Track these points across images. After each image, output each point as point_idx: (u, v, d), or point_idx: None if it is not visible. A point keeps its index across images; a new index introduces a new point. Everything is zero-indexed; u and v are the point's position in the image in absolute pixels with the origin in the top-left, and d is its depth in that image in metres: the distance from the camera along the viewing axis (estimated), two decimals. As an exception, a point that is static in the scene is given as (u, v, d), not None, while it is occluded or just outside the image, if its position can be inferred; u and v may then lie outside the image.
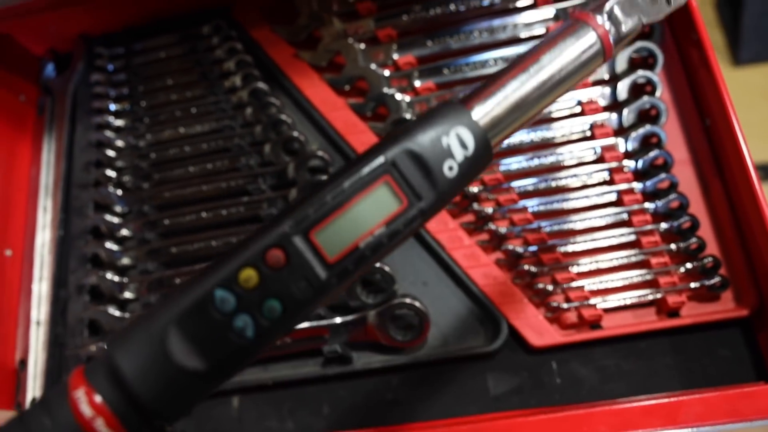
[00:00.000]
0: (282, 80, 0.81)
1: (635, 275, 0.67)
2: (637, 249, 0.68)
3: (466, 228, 0.72)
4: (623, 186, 0.69)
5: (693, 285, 0.66)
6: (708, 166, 0.70)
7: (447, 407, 0.68)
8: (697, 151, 0.72)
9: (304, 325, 0.70)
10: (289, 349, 0.71)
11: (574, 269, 0.68)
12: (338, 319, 0.69)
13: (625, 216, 0.69)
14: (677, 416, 0.55)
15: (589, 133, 0.72)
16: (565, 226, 0.70)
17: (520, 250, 0.69)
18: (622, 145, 0.71)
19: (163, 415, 0.35)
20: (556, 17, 0.76)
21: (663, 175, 0.69)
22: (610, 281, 0.68)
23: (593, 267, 0.68)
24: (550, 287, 0.68)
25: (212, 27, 0.85)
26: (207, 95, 0.82)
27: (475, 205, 0.72)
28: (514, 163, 0.72)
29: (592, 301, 0.67)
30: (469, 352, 0.68)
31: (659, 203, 0.68)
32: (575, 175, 0.71)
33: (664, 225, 0.68)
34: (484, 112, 0.40)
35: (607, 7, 0.43)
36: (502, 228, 0.70)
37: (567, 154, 0.72)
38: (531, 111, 0.42)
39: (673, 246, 0.67)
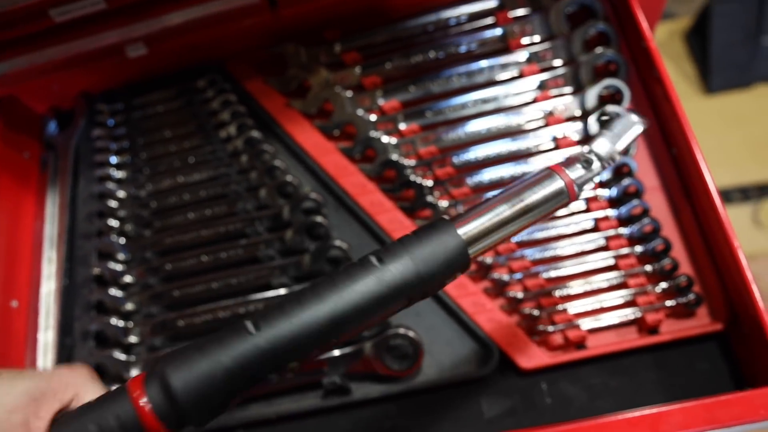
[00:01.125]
0: (275, 128, 0.86)
1: (615, 296, 0.71)
2: (615, 272, 0.72)
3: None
4: (599, 213, 0.74)
5: (669, 303, 0.70)
6: (677, 192, 0.75)
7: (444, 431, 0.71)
8: (666, 178, 0.77)
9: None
10: (290, 383, 0.74)
11: (558, 293, 0.72)
12: (336, 352, 0.73)
13: (602, 241, 0.73)
14: (659, 426, 0.59)
15: (564, 166, 0.77)
16: (548, 254, 0.74)
17: (506, 278, 0.73)
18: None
19: (194, 422, 0.44)
20: (529, 60, 0.82)
21: (635, 202, 0.73)
22: (592, 303, 0.72)
23: (576, 291, 0.72)
24: (536, 312, 0.72)
25: (207, 81, 0.90)
26: (204, 145, 0.86)
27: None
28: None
29: (577, 322, 0.71)
30: (463, 377, 0.71)
31: (633, 228, 0.73)
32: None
33: (639, 248, 0.72)
34: (466, 230, 0.50)
35: (574, 164, 0.53)
36: (489, 258, 0.75)
37: (545, 186, 0.77)
38: (504, 234, 0.51)
39: (648, 267, 0.71)
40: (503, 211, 0.50)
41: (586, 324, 0.71)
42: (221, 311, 0.77)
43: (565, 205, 0.52)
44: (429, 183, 0.79)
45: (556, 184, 0.51)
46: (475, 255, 0.50)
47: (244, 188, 0.83)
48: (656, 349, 0.70)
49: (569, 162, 0.53)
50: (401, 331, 0.71)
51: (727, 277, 0.69)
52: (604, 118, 0.62)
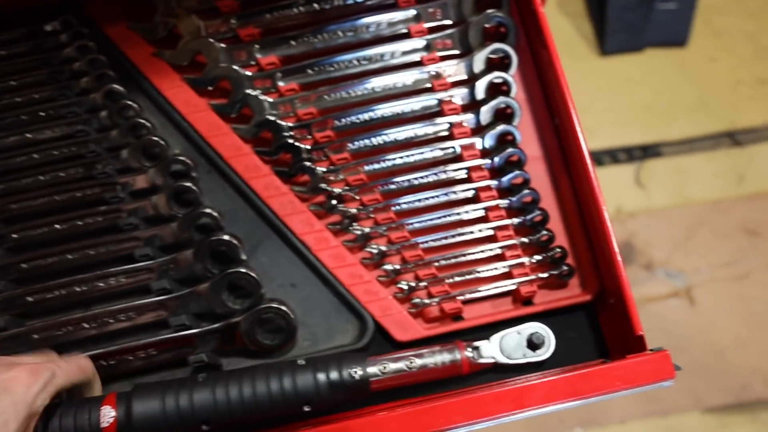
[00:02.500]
0: (140, 81, 0.78)
1: (492, 268, 0.71)
2: (493, 243, 0.72)
3: (332, 229, 0.73)
4: (481, 183, 0.73)
5: (543, 275, 0.70)
6: (557, 163, 0.75)
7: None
8: (548, 148, 0.76)
9: (168, 334, 0.68)
10: (156, 360, 0.69)
11: (435, 265, 0.71)
12: (204, 327, 0.68)
13: (482, 212, 0.72)
14: (524, 400, 0.59)
15: (448, 133, 0.75)
16: (426, 224, 0.72)
17: (383, 248, 0.71)
18: (480, 143, 0.74)
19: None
20: (417, 17, 0.77)
21: (517, 172, 0.72)
22: (469, 275, 0.71)
23: (453, 262, 0.71)
24: (412, 283, 0.70)
25: (61, 23, 0.79)
26: (57, 98, 0.77)
27: (340, 206, 0.73)
28: (377, 163, 0.74)
29: (453, 294, 0.70)
30: (339, 350, 0.69)
31: (513, 199, 0.72)
32: (436, 174, 0.74)
33: (517, 220, 0.72)
34: (375, 367, 0.62)
35: (472, 346, 0.64)
36: (366, 228, 0.72)
37: (428, 153, 0.74)
38: (402, 380, 0.63)
39: (525, 239, 0.71)
40: (408, 363, 0.63)
41: (462, 296, 0.70)
42: (78, 286, 0.71)
43: (459, 372, 0.63)
44: (307, 147, 0.74)
45: (455, 354, 0.63)
46: (376, 386, 0.62)
47: (104, 148, 0.75)
48: (529, 319, 0.70)
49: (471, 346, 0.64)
50: (273, 305, 0.68)
51: (598, 249, 0.70)
52: (536, 341, 0.66)
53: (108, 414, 0.58)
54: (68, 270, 0.71)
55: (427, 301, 0.70)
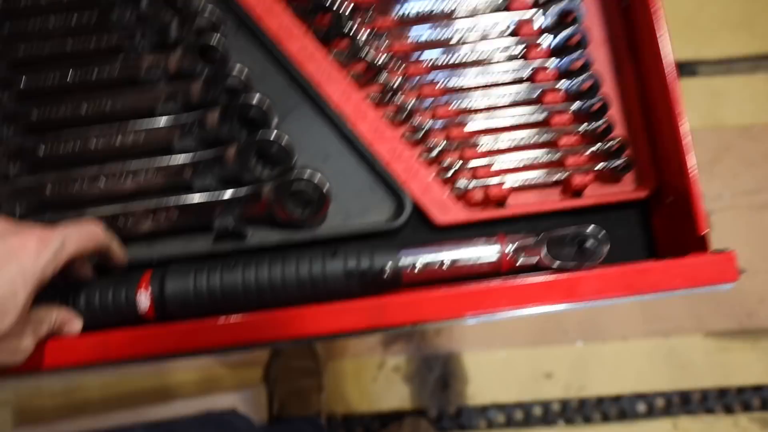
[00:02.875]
0: None
1: (543, 154, 0.66)
2: (546, 128, 0.66)
3: (372, 100, 0.67)
4: (537, 62, 0.66)
5: (598, 166, 0.65)
6: (622, 48, 0.68)
7: (346, 286, 0.65)
8: (613, 32, 0.69)
9: (194, 198, 0.64)
10: (177, 224, 0.65)
11: (482, 147, 0.66)
12: (230, 193, 0.63)
13: (536, 94, 0.66)
14: (576, 290, 0.56)
15: (504, 4, 0.67)
16: (475, 103, 0.66)
17: (427, 124, 0.65)
18: (539, 19, 0.67)
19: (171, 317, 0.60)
20: None
21: (578, 53, 0.66)
22: (517, 160, 0.66)
23: (501, 145, 0.66)
24: (457, 164, 0.65)
25: None
26: (71, -71, 0.68)
27: (382, 76, 0.66)
28: (424, 32, 0.67)
29: (499, 179, 0.65)
30: (371, 228, 0.65)
31: (572, 82, 0.66)
32: (488, 49, 0.67)
33: (574, 105, 0.66)
34: (408, 259, 0.59)
35: (516, 244, 0.60)
36: (410, 101, 0.66)
37: (480, 25, 0.67)
38: (436, 275, 0.60)
39: (582, 127, 0.65)
40: (437, 252, 0.59)
41: (508, 181, 0.65)
42: (92, 138, 0.65)
43: (493, 267, 0.59)
44: (348, 8, 0.67)
45: (493, 248, 0.59)
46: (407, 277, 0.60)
47: (124, -7, 0.67)
48: (577, 212, 0.66)
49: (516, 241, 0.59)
50: (306, 175, 0.62)
51: (660, 145, 0.64)
52: (589, 245, 0.58)
53: (144, 300, 0.59)
54: (82, 122, 0.65)
55: (471, 183, 0.65)
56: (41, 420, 1.57)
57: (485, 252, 0.59)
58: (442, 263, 0.59)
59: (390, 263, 0.59)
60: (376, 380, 1.61)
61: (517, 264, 0.59)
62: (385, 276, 0.59)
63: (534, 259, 0.59)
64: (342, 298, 0.58)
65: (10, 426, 1.57)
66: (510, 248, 0.59)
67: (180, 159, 0.64)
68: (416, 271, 0.59)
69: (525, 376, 1.60)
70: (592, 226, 0.59)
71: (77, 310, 0.58)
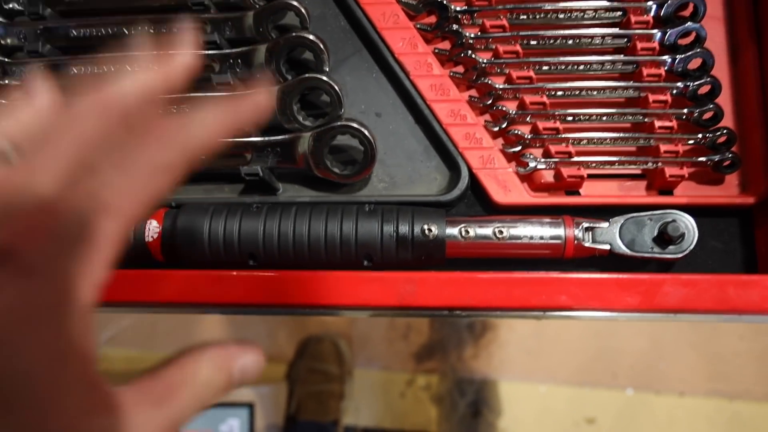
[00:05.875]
0: None
1: (631, 139, 0.56)
2: (640, 108, 0.56)
3: (439, 55, 0.59)
4: (639, 30, 0.56)
5: (698, 160, 0.54)
6: (743, 26, 0.58)
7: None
8: (734, 6, 0.59)
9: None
10: (203, 167, 0.58)
11: (560, 121, 0.56)
12: (265, 139, 0.56)
13: (633, 66, 0.56)
14: (656, 297, 0.45)
15: (608, -37, 0.58)
16: (560, 67, 0.57)
17: (499, 87, 0.56)
18: (646, -16, 0.57)
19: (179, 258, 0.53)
20: None
21: (688, 25, 0.55)
22: (600, 141, 0.56)
23: (584, 122, 0.56)
24: (528, 136, 0.56)
25: None
26: None
27: (453, 27, 0.58)
28: (511, -15, 0.58)
29: (574, 161, 0.55)
30: (420, 199, 0.56)
31: (678, 58, 0.55)
32: (582, 10, 0.57)
33: (678, 84, 0.55)
34: (455, 228, 0.52)
35: (584, 225, 0.52)
36: (483, 58, 0.57)
37: (575, -15, 0.58)
38: (486, 250, 0.52)
39: (684, 110, 0.55)
40: (492, 228, 0.51)
41: (585, 166, 0.55)
42: (128, 25, 0.59)
43: (557, 252, 0.51)
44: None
45: (558, 231, 0.51)
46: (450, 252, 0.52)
47: None
48: (664, 212, 0.55)
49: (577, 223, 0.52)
50: (353, 124, 0.54)
51: (778, 142, 0.53)
52: (672, 233, 0.49)
53: (154, 228, 0.53)
54: (117, 11, 0.60)
55: (542, 161, 0.55)
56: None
57: (548, 231, 0.50)
58: (494, 235, 0.50)
59: (435, 228, 0.50)
60: (404, 396, 1.51)
61: (585, 249, 0.50)
62: (428, 241, 0.50)
63: (605, 247, 0.49)
64: (374, 267, 0.49)
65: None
66: (578, 230, 0.50)
67: (215, 93, 0.57)
68: (464, 240, 0.50)
69: (564, 417, 1.46)
70: (676, 211, 0.49)
71: None
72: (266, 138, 0.56)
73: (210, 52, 0.58)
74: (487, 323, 1.50)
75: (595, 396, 1.46)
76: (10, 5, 0.62)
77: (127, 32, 0.60)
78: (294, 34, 0.56)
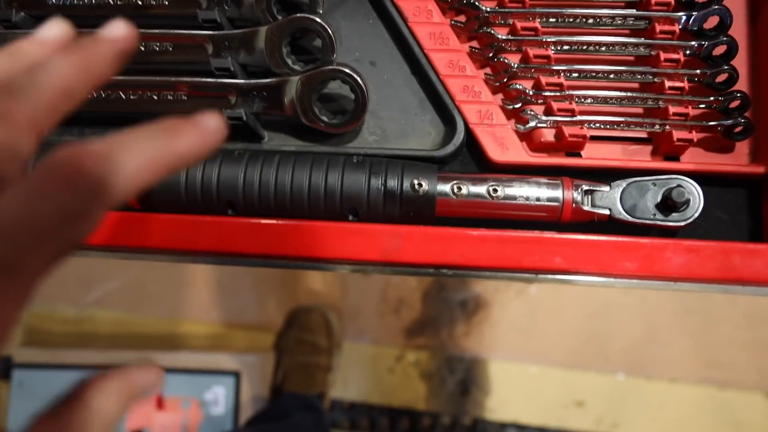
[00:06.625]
0: None
1: (640, 98, 0.52)
2: (650, 66, 0.53)
3: (441, 2, 0.55)
4: (652, -16, 0.53)
5: (708, 124, 0.51)
6: (763, -15, 0.54)
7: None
8: (753, -35, 0.55)
9: (208, 81, 0.53)
10: (186, 110, 0.54)
11: (563, 77, 0.53)
12: (251, 82, 0.53)
13: (646, 23, 0.53)
14: (656, 263, 0.42)
15: None
16: (568, 20, 0.53)
17: (501, 37, 0.53)
18: (663, -64, 0.54)
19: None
20: None
21: (706, -20, 0.52)
22: (606, 101, 0.53)
23: (590, 80, 0.53)
24: (530, 92, 0.52)
25: None
26: None
27: (459, -29, 0.54)
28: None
29: (577, 120, 0.52)
30: (412, 154, 0.53)
31: (694, 15, 0.52)
32: (595, -39, 0.54)
33: (692, 43, 0.52)
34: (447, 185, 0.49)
35: (583, 187, 0.49)
36: (486, 7, 0.54)
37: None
38: (478, 209, 0.49)
39: (697, 71, 0.52)
40: (486, 185, 0.49)
41: (588, 126, 0.52)
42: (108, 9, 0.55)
43: (553, 216, 0.48)
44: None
45: (557, 192, 0.48)
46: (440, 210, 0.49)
47: None
48: (668, 179, 0.52)
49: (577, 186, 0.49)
50: (345, 68, 0.51)
51: (795, 108, 0.50)
52: (676, 199, 0.46)
53: None
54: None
55: (543, 118, 0.52)
56: (48, 344, 1.53)
57: (545, 193, 0.47)
58: (488, 194, 0.47)
59: (425, 183, 0.47)
60: (393, 372, 1.49)
61: (583, 213, 0.47)
62: (418, 197, 0.47)
63: (605, 212, 0.47)
64: (360, 221, 0.46)
65: (18, 344, 1.54)
66: (577, 193, 0.47)
67: (200, 33, 0.54)
68: (456, 197, 0.47)
69: (554, 399, 1.45)
70: (680, 176, 0.46)
71: None
72: (252, 81, 0.53)
73: (197, -12, 0.54)
74: (480, 301, 1.48)
75: (585, 379, 1.44)
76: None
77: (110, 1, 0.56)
78: (286, -30, 0.53)
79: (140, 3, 0.55)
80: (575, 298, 1.46)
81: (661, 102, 0.52)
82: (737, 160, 0.53)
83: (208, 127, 0.25)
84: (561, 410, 1.44)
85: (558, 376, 1.44)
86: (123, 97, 0.54)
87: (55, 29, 0.30)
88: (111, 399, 0.27)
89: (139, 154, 0.24)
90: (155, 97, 0.54)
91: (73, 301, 1.57)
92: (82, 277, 1.56)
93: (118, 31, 0.29)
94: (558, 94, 0.52)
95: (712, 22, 0.52)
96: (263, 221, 0.46)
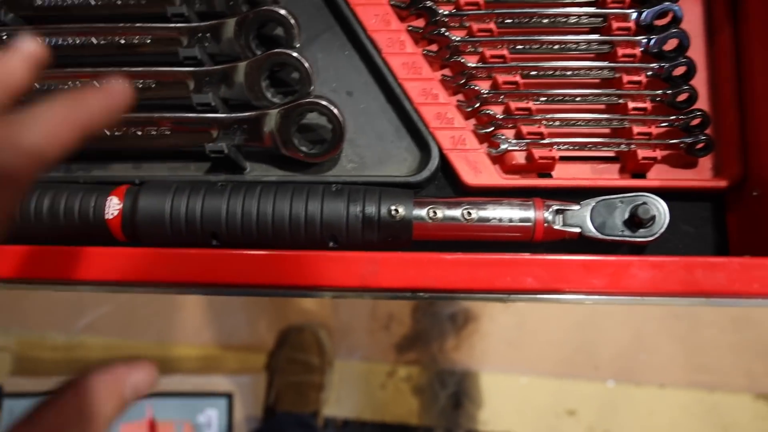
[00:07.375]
0: None
1: (605, 119, 0.55)
2: (613, 89, 0.55)
3: (413, 33, 0.57)
4: (615, 10, 0.55)
5: (671, 142, 0.54)
6: (720, 7, 0.57)
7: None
8: (709, -12, 0.58)
9: (190, 115, 0.55)
10: (169, 144, 0.56)
11: (532, 102, 0.55)
12: (232, 115, 0.55)
13: (607, 46, 0.55)
14: (623, 279, 0.44)
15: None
16: (534, 46, 0.55)
17: (471, 64, 0.55)
18: (622, -37, 0.56)
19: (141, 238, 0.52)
20: None
21: (666, 4, 0.54)
22: (573, 123, 0.55)
23: (557, 103, 0.55)
24: (500, 116, 0.55)
25: None
26: None
27: (428, 4, 0.56)
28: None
29: (546, 143, 0.54)
30: (389, 180, 0.55)
31: (653, 38, 0.55)
32: (558, -11, 0.56)
33: (652, 65, 0.55)
34: (423, 210, 0.50)
35: (554, 207, 0.51)
36: (456, 36, 0.56)
37: (553, -37, 0.57)
38: (453, 232, 0.51)
39: (659, 92, 0.54)
40: (461, 210, 0.50)
41: (557, 148, 0.55)
42: (94, 38, 0.57)
43: (526, 236, 0.51)
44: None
45: (528, 213, 0.50)
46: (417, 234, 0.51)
47: None
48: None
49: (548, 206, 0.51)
50: (322, 101, 0.53)
51: (752, 127, 0.52)
52: (643, 216, 0.49)
53: (114, 205, 0.52)
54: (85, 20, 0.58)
55: (514, 142, 0.54)
56: (38, 373, 1.53)
57: (517, 214, 0.49)
58: (463, 216, 0.49)
59: (402, 209, 0.49)
60: (385, 388, 1.50)
61: (555, 232, 0.49)
62: (395, 222, 0.49)
63: (575, 230, 0.49)
64: (340, 248, 0.48)
65: (8, 373, 1.53)
66: (548, 212, 0.49)
67: (182, 69, 0.56)
68: (432, 221, 0.49)
69: (545, 409, 1.46)
70: (647, 194, 0.48)
71: (38, 212, 0.51)
72: (232, 114, 0.55)
73: (178, 25, 0.56)
74: (470, 314, 1.50)
75: (576, 388, 1.46)
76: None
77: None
78: (265, 7, 0.55)
79: (123, 42, 0.57)
80: (563, 309, 1.47)
81: (626, 122, 0.54)
82: (701, 175, 0.55)
83: (113, 89, 0.28)
84: (553, 420, 1.45)
85: (549, 386, 1.46)
86: (107, 133, 0.56)
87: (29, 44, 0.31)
88: (100, 395, 0.28)
89: (50, 116, 0.27)
90: (139, 133, 0.55)
91: (62, 327, 1.56)
92: (71, 304, 1.56)
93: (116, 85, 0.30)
94: (527, 117, 0.55)
95: (672, 44, 0.55)
96: (246, 252, 0.47)
